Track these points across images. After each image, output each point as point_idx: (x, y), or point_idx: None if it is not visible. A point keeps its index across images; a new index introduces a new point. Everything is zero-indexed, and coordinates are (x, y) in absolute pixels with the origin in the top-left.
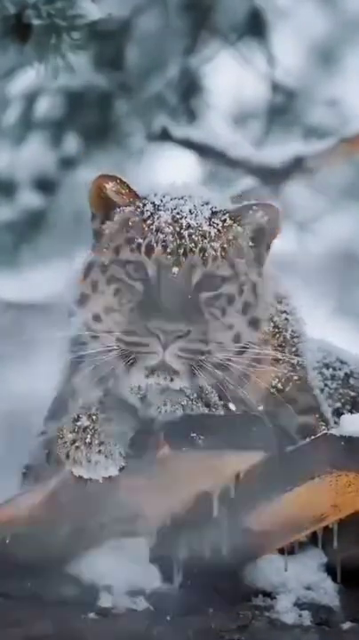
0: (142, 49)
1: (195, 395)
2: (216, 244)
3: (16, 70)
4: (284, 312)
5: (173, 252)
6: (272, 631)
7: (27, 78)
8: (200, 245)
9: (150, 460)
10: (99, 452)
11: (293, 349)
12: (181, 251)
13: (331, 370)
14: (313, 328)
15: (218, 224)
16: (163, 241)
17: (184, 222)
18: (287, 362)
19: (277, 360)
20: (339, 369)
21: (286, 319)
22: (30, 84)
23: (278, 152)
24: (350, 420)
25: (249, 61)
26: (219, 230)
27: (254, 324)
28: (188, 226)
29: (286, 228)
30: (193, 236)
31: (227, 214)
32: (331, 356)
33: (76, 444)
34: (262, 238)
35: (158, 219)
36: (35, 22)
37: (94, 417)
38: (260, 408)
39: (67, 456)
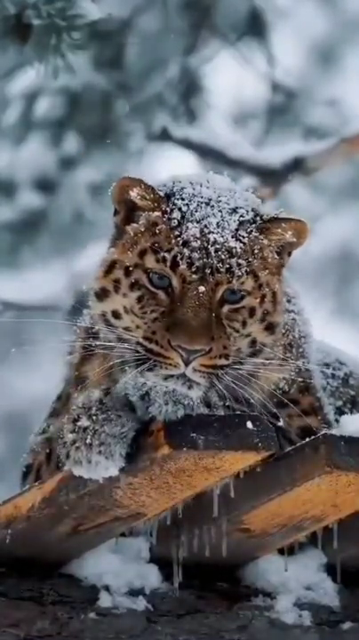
0: (142, 49)
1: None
2: (242, 261)
3: (16, 70)
4: (292, 312)
5: (199, 269)
6: (272, 631)
7: (27, 78)
8: (227, 264)
9: (150, 459)
10: (100, 452)
11: (300, 350)
12: (208, 270)
13: (331, 369)
14: (312, 328)
15: (244, 237)
16: (189, 257)
17: (211, 238)
18: (293, 363)
19: (285, 361)
20: (339, 369)
21: (294, 319)
22: (30, 84)
23: (278, 152)
24: (350, 420)
25: (249, 61)
26: (244, 244)
27: (270, 328)
28: (215, 242)
29: None
30: (219, 253)
31: (255, 226)
32: (330, 357)
33: (77, 445)
34: (288, 250)
35: (186, 231)
36: (35, 22)
37: (94, 417)
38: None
39: (68, 456)
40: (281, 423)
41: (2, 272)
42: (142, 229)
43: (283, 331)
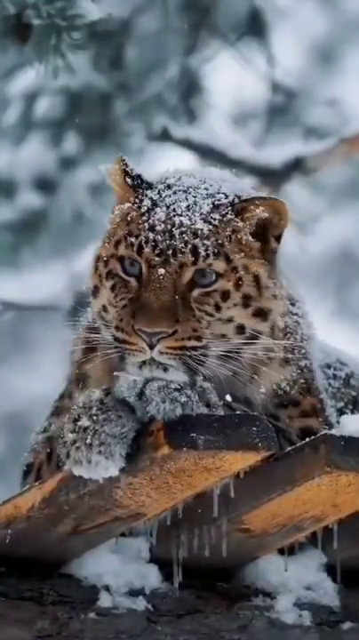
0: (142, 49)
1: (197, 395)
2: (208, 242)
3: (16, 70)
4: (296, 315)
5: (162, 252)
6: (272, 631)
7: (27, 78)
8: (191, 244)
9: (150, 459)
10: (100, 452)
11: (302, 351)
12: (170, 251)
13: (332, 370)
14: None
15: (215, 219)
16: (154, 240)
17: (177, 220)
18: (295, 364)
19: (286, 361)
20: (340, 369)
21: (297, 322)
22: (30, 84)
23: (278, 152)
24: (350, 420)
25: (249, 61)
26: (215, 226)
27: (260, 314)
28: (181, 224)
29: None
30: (184, 235)
31: (230, 208)
32: (331, 357)
33: (77, 445)
34: (267, 231)
35: (153, 215)
36: (35, 22)
37: (95, 417)
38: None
39: (68, 456)
40: (281, 424)
41: (2, 272)
42: (118, 220)
43: (286, 331)
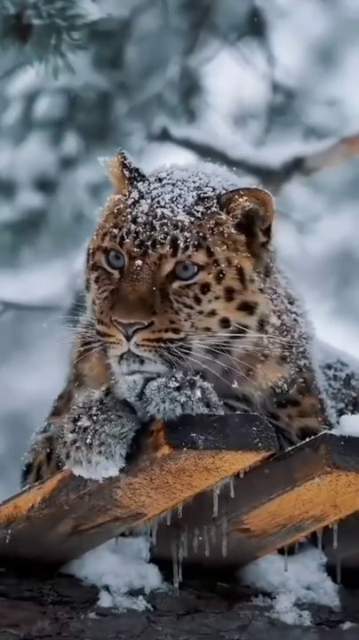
0: (142, 49)
1: (197, 395)
2: (189, 234)
3: (16, 70)
4: (294, 313)
5: (142, 243)
6: (272, 631)
7: (27, 78)
8: (170, 236)
9: (150, 459)
10: (100, 452)
11: (300, 349)
12: (149, 242)
13: (333, 370)
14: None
15: (199, 211)
16: (135, 232)
17: (159, 212)
18: (294, 363)
19: (284, 359)
20: (341, 370)
21: (295, 320)
22: (30, 84)
23: (278, 152)
24: (350, 420)
25: (249, 61)
26: (197, 218)
27: (246, 308)
28: (162, 216)
29: (286, 228)
30: (164, 227)
31: (215, 200)
32: (332, 358)
33: (77, 445)
34: (253, 224)
35: (138, 207)
36: (35, 22)
37: (95, 417)
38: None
39: (68, 456)
40: (280, 424)
41: (2, 272)
42: (107, 212)
43: (282, 329)
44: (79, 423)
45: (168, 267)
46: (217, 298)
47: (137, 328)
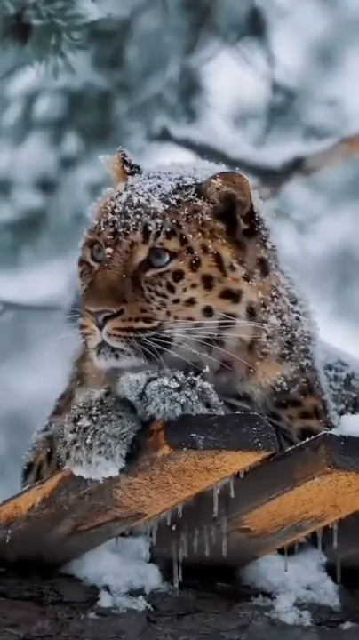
0: (142, 49)
1: (196, 395)
2: (161, 220)
3: (16, 70)
4: (297, 312)
5: (116, 232)
6: (272, 631)
7: (27, 78)
8: (142, 222)
9: (150, 459)
10: (100, 452)
11: (301, 347)
12: (121, 230)
13: (333, 371)
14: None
15: (174, 199)
16: (112, 221)
17: (135, 200)
18: (295, 362)
19: (283, 357)
20: (341, 370)
21: (297, 319)
22: (30, 84)
23: (278, 152)
24: (350, 420)
25: (249, 61)
26: (172, 206)
27: (229, 296)
28: (138, 204)
29: (286, 228)
30: (137, 215)
31: (194, 189)
32: (333, 358)
33: (77, 445)
34: (231, 210)
35: (118, 199)
36: (35, 22)
37: (95, 417)
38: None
39: (68, 456)
40: (280, 424)
41: (2, 272)
42: (96, 207)
43: (282, 329)
44: (79, 423)
45: (141, 254)
46: (194, 286)
47: (106, 316)
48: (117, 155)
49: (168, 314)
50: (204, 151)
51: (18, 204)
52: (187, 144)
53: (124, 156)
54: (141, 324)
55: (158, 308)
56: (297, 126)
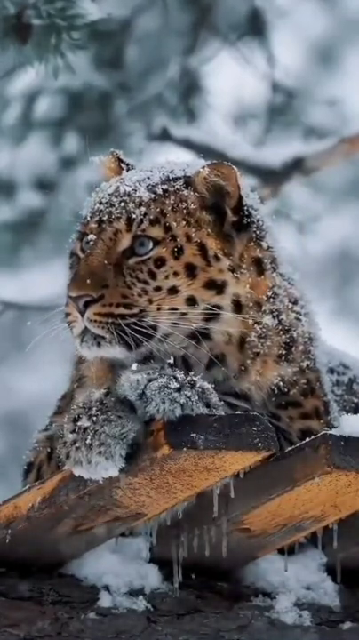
0: (142, 49)
1: (196, 395)
2: (145, 208)
3: (16, 70)
4: (297, 312)
5: (101, 220)
6: (272, 631)
7: (27, 78)
8: (126, 210)
9: (150, 459)
10: (100, 453)
11: (301, 348)
12: (106, 218)
13: (336, 375)
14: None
15: (161, 189)
16: (98, 211)
17: (122, 190)
18: (295, 363)
19: (281, 357)
20: (343, 373)
21: (297, 319)
22: (30, 83)
23: (278, 152)
24: (350, 420)
25: (249, 61)
26: (159, 195)
27: (213, 286)
28: (124, 193)
29: (286, 228)
30: (122, 203)
31: (183, 180)
32: (335, 360)
33: (77, 445)
34: (220, 201)
35: (106, 190)
36: (35, 22)
37: (95, 418)
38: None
39: (68, 456)
40: (281, 424)
41: (2, 272)
42: (89, 202)
43: (279, 329)
44: (79, 423)
45: (125, 242)
46: (176, 274)
47: (87, 301)
48: (111, 155)
49: (150, 301)
50: (204, 151)
51: (18, 203)
52: (187, 144)
53: (118, 155)
54: (122, 310)
55: (139, 295)
56: (297, 126)
